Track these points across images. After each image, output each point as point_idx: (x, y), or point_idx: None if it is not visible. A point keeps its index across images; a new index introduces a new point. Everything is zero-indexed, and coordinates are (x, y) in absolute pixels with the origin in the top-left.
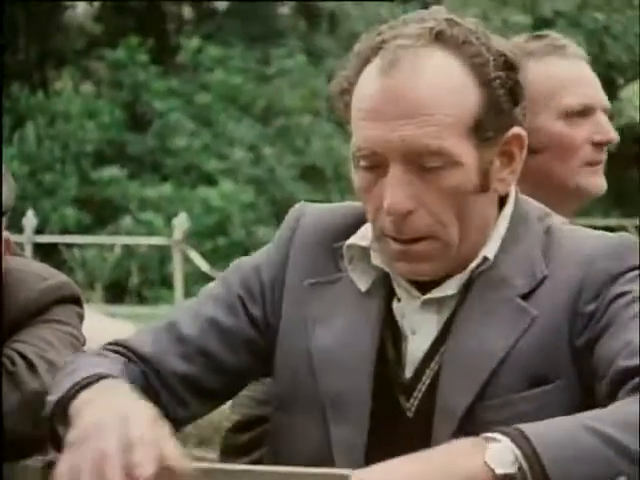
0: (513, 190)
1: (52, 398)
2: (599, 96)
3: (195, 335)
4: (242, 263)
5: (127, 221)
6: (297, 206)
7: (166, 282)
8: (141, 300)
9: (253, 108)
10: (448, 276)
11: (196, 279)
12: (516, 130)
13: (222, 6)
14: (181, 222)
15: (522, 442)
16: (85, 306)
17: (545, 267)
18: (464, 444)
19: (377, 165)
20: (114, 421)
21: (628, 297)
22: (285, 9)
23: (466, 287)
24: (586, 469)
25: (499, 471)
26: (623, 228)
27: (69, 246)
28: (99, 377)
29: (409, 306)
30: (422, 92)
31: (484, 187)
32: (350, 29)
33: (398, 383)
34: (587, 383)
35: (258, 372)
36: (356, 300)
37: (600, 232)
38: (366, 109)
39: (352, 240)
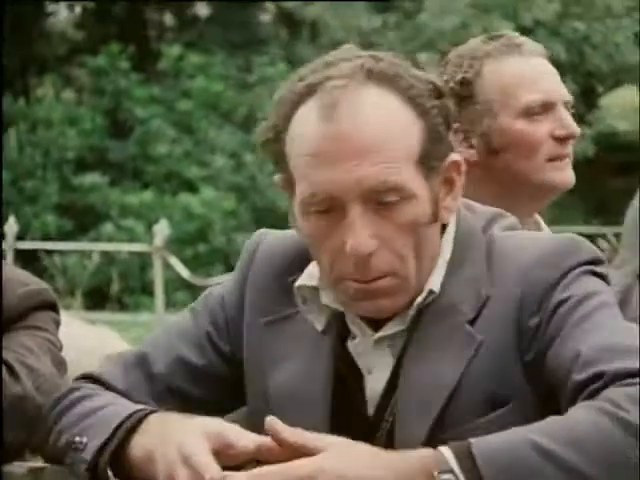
0: (454, 213)
1: (92, 444)
2: (558, 90)
3: (165, 373)
4: (210, 295)
5: (108, 228)
6: (254, 237)
7: (147, 289)
8: (121, 307)
9: (234, 115)
10: (398, 312)
11: (177, 286)
12: (453, 157)
13: (204, 13)
14: (162, 229)
15: (467, 464)
16: (65, 313)
17: (489, 286)
18: (419, 460)
19: (332, 209)
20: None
21: (570, 302)
22: (266, 17)
23: (416, 320)
24: None
25: None
26: (603, 236)
27: (50, 253)
28: (141, 415)
29: (363, 344)
30: (369, 130)
31: (435, 217)
32: (330, 38)
33: (362, 421)
34: (544, 397)
35: (234, 405)
36: (312, 339)
37: (538, 236)
38: (314, 155)
39: (301, 281)
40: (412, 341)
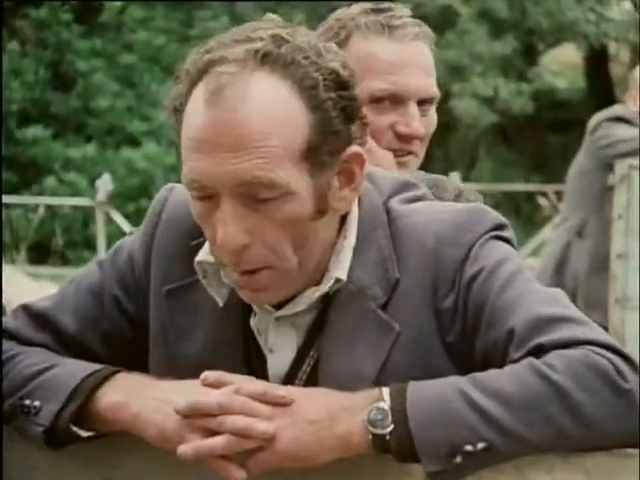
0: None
1: (49, 408)
2: (415, 85)
3: (76, 334)
4: (120, 251)
5: (51, 181)
6: (162, 193)
7: (89, 243)
8: (64, 261)
9: (177, 70)
10: (300, 293)
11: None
12: (354, 149)
13: None
14: (105, 183)
15: (398, 403)
16: (10, 267)
17: (397, 269)
18: (360, 398)
19: (209, 196)
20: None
21: (483, 275)
22: None
23: (324, 303)
24: (448, 433)
25: (373, 431)
26: (543, 194)
27: None
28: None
29: (264, 322)
30: (249, 124)
31: (321, 211)
32: None
33: None
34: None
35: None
36: (216, 312)
37: (438, 210)
38: (193, 139)
39: (201, 256)
40: (324, 328)
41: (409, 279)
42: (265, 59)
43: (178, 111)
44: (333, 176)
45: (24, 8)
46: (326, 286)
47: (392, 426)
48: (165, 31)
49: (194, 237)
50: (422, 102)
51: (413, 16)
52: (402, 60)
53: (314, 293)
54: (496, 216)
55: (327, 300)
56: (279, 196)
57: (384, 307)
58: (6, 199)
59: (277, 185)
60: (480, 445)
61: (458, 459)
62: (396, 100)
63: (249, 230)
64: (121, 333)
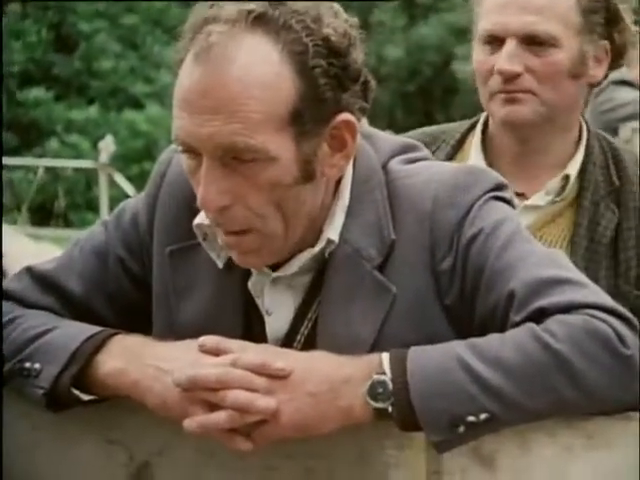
0: (345, 168)
1: (49, 370)
2: (513, 25)
3: (81, 295)
4: (124, 213)
5: (53, 143)
6: (165, 155)
7: (92, 205)
8: (67, 223)
9: (180, 31)
10: (297, 254)
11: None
12: (345, 116)
13: None
14: (107, 145)
15: (398, 374)
16: (11, 228)
17: (392, 229)
18: (359, 367)
19: (193, 155)
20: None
21: (482, 236)
22: None
23: (321, 265)
24: (450, 404)
25: (374, 405)
26: None
27: None
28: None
29: (261, 283)
30: (231, 86)
31: (307, 177)
32: None
33: None
34: (469, 337)
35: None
36: (217, 273)
37: (436, 171)
38: (179, 98)
39: (200, 219)
40: (322, 287)
41: (406, 241)
42: (257, 21)
43: (179, 65)
44: (321, 143)
45: None
46: (318, 247)
47: (393, 398)
48: None
49: (196, 199)
50: (530, 41)
51: None
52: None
53: (308, 254)
54: (495, 176)
55: (324, 262)
56: (259, 161)
57: (380, 269)
58: (7, 161)
59: (255, 150)
60: (482, 416)
61: (461, 429)
62: (497, 40)
63: (230, 191)
64: (126, 294)
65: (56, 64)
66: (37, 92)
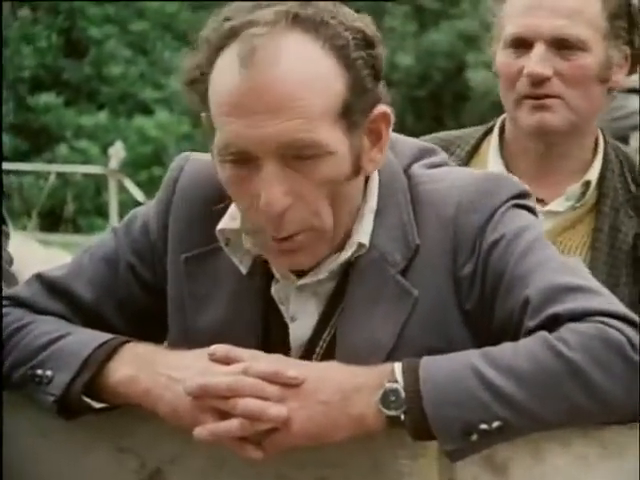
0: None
1: (60, 378)
2: (542, 28)
3: (92, 302)
4: (134, 220)
5: (63, 149)
6: (177, 160)
7: (101, 211)
8: (76, 229)
9: (190, 37)
10: (323, 260)
11: (131, 209)
12: (382, 108)
13: None
14: (117, 151)
15: (411, 383)
16: (21, 234)
17: (416, 234)
18: (372, 377)
19: (247, 160)
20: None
21: (503, 242)
22: None
23: (345, 271)
24: (463, 412)
25: (387, 413)
26: None
27: (6, 173)
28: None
29: (286, 290)
30: (287, 83)
31: (357, 171)
32: None
33: None
34: (490, 343)
35: (162, 340)
36: (237, 278)
37: (459, 177)
38: (230, 104)
39: (223, 224)
40: (344, 295)
41: (429, 246)
42: (295, 20)
43: (198, 81)
44: (363, 136)
45: None
46: (349, 251)
47: (405, 406)
48: None
49: (213, 204)
50: (560, 45)
51: None
52: (533, 2)
53: (337, 259)
54: (518, 184)
55: (348, 268)
56: (319, 156)
57: (403, 274)
58: (17, 166)
59: (318, 145)
60: (495, 424)
61: (474, 437)
62: (525, 44)
63: (292, 192)
64: (136, 301)
65: (66, 69)
66: (47, 97)
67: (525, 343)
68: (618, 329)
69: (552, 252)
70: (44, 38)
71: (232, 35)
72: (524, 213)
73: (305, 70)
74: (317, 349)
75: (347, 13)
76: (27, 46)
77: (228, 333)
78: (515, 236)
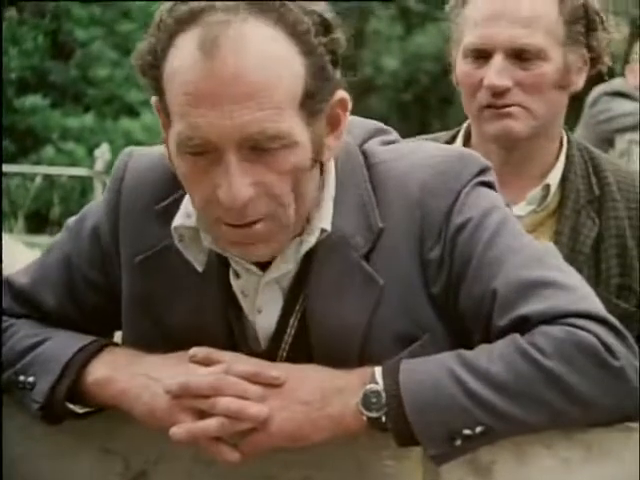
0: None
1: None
2: (500, 38)
3: (55, 307)
4: (85, 220)
5: (49, 151)
6: (120, 158)
7: None
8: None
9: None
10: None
11: None
12: (340, 94)
13: None
14: (103, 153)
15: (391, 387)
16: (7, 236)
17: (378, 216)
18: (352, 378)
19: (208, 151)
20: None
21: (470, 226)
22: None
23: (305, 258)
24: (444, 417)
25: (367, 414)
26: None
27: None
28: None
29: (250, 283)
30: (254, 74)
31: (317, 160)
32: None
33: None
34: (456, 328)
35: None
36: (193, 278)
37: (421, 156)
38: (194, 95)
39: (178, 221)
40: (308, 282)
41: (394, 230)
42: (254, 7)
43: (154, 66)
44: (324, 123)
45: None
46: (313, 238)
47: (386, 408)
48: None
49: (160, 201)
50: (518, 55)
51: None
52: (491, 12)
53: (301, 247)
54: (479, 159)
55: (308, 253)
56: (284, 146)
57: (367, 257)
58: (4, 168)
59: (283, 136)
60: (478, 429)
61: (458, 442)
62: (484, 54)
63: (255, 183)
64: (95, 304)
65: (52, 71)
66: (33, 99)
67: (499, 348)
68: (590, 331)
69: (520, 237)
70: (30, 40)
71: (189, 20)
72: (488, 192)
73: (270, 59)
74: (285, 336)
75: None
76: (13, 48)
77: (191, 330)
78: (481, 219)
